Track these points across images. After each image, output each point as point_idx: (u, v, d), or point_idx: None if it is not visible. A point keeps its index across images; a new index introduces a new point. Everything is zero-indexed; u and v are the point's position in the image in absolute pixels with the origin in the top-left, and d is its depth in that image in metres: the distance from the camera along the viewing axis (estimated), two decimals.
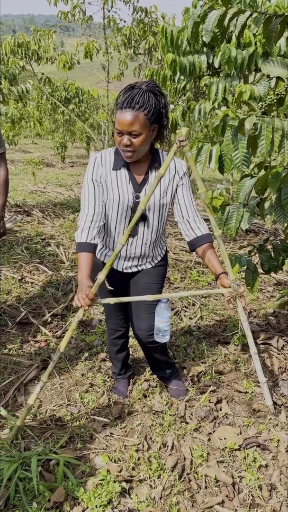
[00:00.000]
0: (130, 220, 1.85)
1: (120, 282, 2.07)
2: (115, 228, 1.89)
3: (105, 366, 2.55)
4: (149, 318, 1.97)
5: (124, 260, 1.99)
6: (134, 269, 2.03)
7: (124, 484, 1.72)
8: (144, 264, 2.03)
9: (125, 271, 2.02)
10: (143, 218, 1.86)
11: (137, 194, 1.81)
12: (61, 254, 4.37)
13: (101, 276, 1.67)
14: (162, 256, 2.08)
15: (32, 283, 3.69)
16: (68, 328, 2.95)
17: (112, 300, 1.80)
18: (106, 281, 2.02)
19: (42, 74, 7.49)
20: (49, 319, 3.10)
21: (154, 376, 2.41)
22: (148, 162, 1.82)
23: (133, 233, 1.89)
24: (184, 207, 1.87)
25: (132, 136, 1.66)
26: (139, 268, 2.03)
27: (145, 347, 2.16)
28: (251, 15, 1.74)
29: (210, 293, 1.94)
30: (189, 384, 2.39)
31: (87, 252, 1.74)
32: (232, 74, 2.74)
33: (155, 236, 1.93)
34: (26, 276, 3.76)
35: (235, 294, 1.78)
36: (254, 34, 2.66)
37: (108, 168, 1.81)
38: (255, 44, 2.65)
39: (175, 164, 1.85)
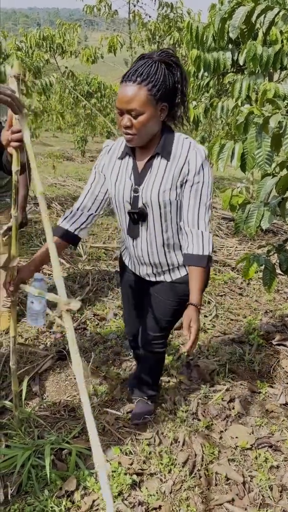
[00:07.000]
0: (130, 216, 1.61)
1: (137, 284, 1.91)
2: (121, 224, 1.71)
3: (119, 360, 2.57)
4: (153, 328, 1.86)
5: (139, 264, 1.76)
6: (153, 278, 1.77)
7: (135, 476, 1.74)
8: (163, 274, 1.74)
9: (142, 276, 1.82)
10: (142, 217, 1.58)
11: (136, 187, 1.54)
12: (79, 247, 4.41)
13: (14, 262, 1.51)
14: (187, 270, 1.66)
15: (49, 275, 3.73)
16: (84, 321, 2.99)
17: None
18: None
19: (66, 67, 7.53)
20: None
21: (166, 372, 2.41)
22: (155, 147, 1.52)
23: (134, 234, 1.65)
24: (186, 211, 1.54)
25: (132, 115, 1.38)
26: (158, 278, 1.76)
27: (142, 354, 2.02)
28: (279, 12, 1.72)
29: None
30: (201, 382, 2.39)
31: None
32: (256, 71, 2.72)
33: (160, 239, 1.62)
34: (43, 268, 3.80)
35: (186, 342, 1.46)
36: (281, 32, 2.64)
37: (114, 157, 1.60)
38: (282, 41, 2.62)
39: (188, 152, 1.48)
